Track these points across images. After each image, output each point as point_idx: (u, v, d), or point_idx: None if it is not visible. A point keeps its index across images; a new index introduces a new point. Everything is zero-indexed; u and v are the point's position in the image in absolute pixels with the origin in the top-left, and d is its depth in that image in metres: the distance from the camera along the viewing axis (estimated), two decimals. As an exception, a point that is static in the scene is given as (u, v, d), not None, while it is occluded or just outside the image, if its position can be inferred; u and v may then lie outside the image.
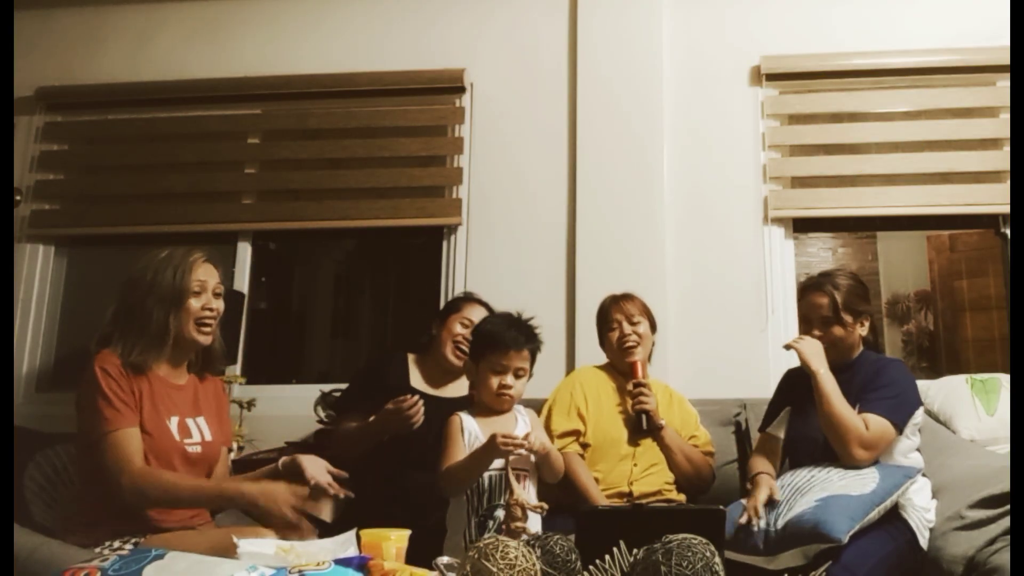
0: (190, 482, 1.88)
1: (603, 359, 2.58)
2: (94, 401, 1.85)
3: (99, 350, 1.93)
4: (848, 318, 2.16)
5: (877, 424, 2.02)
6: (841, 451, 2.02)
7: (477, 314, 2.50)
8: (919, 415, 2.11)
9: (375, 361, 2.61)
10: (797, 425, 2.22)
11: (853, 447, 1.99)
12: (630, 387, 2.42)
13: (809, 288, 2.24)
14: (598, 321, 2.58)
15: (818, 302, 2.19)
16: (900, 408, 2.06)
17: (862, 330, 2.20)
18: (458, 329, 2.48)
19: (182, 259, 2.00)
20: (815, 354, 2.14)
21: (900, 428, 2.05)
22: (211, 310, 2.01)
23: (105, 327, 1.97)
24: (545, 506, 1.85)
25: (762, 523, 1.93)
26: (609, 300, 2.57)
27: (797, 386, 2.27)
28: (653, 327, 2.54)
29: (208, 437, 2.01)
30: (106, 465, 1.81)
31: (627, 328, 2.47)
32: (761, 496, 2.00)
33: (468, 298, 2.64)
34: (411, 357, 2.56)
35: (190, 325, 1.98)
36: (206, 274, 2.02)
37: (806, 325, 2.22)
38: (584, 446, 2.39)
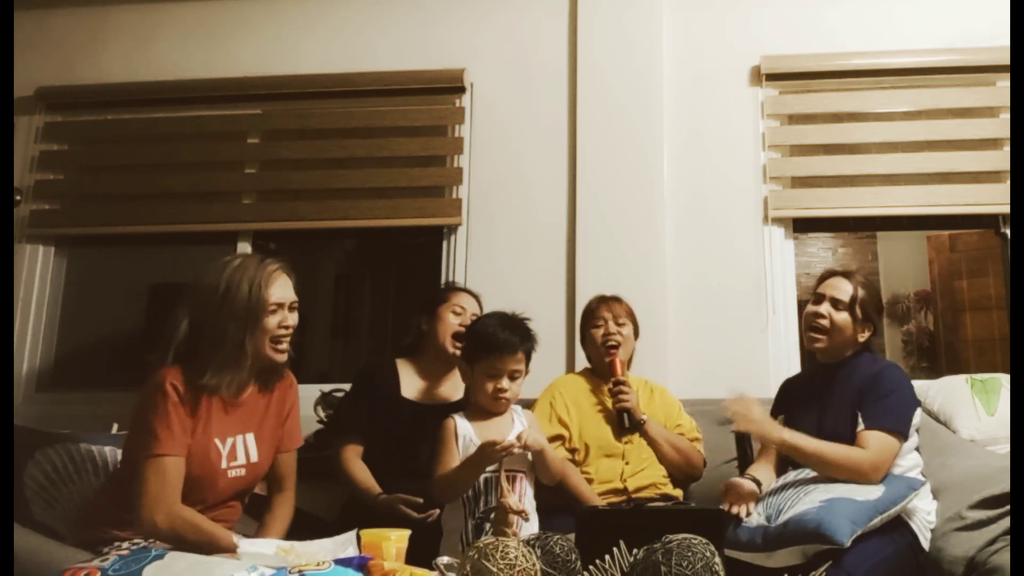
0: (221, 539, 1.74)
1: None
2: (151, 418, 1.76)
3: (169, 365, 1.80)
4: (859, 313, 2.17)
5: (881, 441, 2.00)
6: (856, 482, 1.97)
7: (466, 301, 2.48)
8: (917, 416, 2.12)
9: (363, 374, 2.49)
10: None
11: (863, 477, 1.96)
12: (610, 385, 2.42)
13: (837, 272, 2.27)
14: (583, 319, 2.60)
15: (842, 285, 2.21)
16: (902, 416, 2.06)
17: (861, 336, 2.20)
18: (452, 319, 2.43)
19: (257, 271, 1.84)
20: (765, 422, 2.07)
21: (904, 436, 2.05)
22: (287, 327, 1.86)
23: (178, 343, 1.83)
24: (526, 511, 1.83)
25: (761, 518, 1.93)
26: (597, 300, 2.59)
27: (786, 394, 2.33)
28: (636, 333, 2.55)
29: (255, 458, 1.91)
30: (145, 490, 1.72)
31: (612, 327, 2.49)
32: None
33: (451, 287, 2.61)
34: (400, 362, 2.49)
35: (266, 344, 1.84)
36: (283, 288, 1.87)
37: (816, 301, 2.23)
38: (572, 451, 2.38)
